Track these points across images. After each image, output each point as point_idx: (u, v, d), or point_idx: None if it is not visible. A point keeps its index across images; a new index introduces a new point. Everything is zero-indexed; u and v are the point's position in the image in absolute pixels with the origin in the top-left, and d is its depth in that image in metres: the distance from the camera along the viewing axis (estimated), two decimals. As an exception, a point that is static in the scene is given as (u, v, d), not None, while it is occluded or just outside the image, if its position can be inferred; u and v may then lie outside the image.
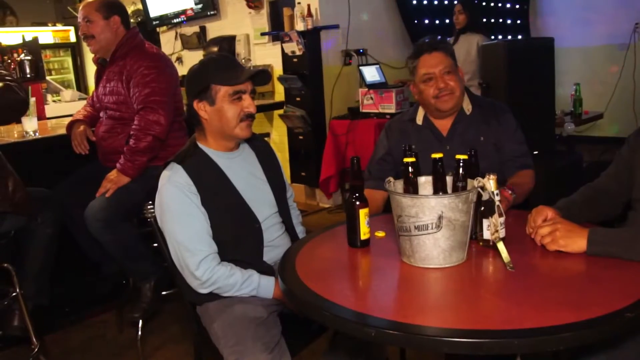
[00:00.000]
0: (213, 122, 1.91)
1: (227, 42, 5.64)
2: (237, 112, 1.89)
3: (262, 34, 5.43)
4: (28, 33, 6.31)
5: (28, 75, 4.70)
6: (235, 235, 1.92)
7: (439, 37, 2.32)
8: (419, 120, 2.31)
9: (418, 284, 1.51)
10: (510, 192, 2.01)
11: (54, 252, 2.75)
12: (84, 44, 10.04)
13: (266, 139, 2.26)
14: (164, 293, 2.91)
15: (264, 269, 1.94)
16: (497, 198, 1.55)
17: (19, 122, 3.37)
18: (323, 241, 1.86)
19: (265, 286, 1.87)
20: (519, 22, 7.05)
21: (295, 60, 5.03)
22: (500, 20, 6.74)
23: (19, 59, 4.71)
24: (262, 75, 1.97)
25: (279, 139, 5.52)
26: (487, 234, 1.62)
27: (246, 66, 5.40)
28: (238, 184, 1.95)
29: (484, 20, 5.98)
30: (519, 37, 6.91)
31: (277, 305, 1.91)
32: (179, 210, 1.84)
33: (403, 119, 2.38)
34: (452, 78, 2.17)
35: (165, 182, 1.86)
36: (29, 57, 4.69)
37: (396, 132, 2.35)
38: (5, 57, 4.86)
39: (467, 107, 2.27)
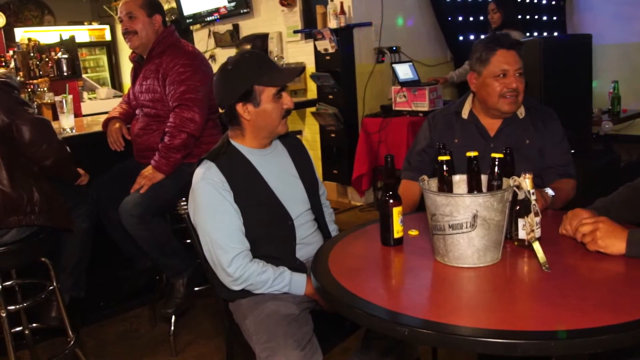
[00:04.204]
0: (257, 122, 1.92)
1: (260, 40, 5.66)
2: (280, 110, 1.92)
3: (295, 32, 5.44)
4: (65, 32, 6.42)
5: (65, 73, 4.81)
6: (268, 232, 1.93)
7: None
8: (465, 114, 2.27)
9: (452, 283, 1.50)
10: (549, 192, 1.97)
11: (89, 246, 2.81)
12: (119, 43, 10.14)
13: (298, 136, 2.26)
14: (196, 289, 2.95)
15: (296, 266, 1.94)
16: (533, 197, 1.53)
17: (55, 118, 3.44)
18: (356, 239, 1.86)
19: (297, 283, 1.88)
20: (554, 18, 6.93)
21: (327, 57, 5.03)
22: (536, 16, 6.62)
23: (56, 57, 4.82)
24: (301, 72, 2.02)
25: (311, 136, 5.52)
26: (522, 234, 1.59)
27: (279, 64, 5.43)
28: (270, 181, 1.96)
29: (519, 17, 5.88)
30: (555, 33, 6.78)
31: (309, 302, 1.91)
32: (212, 208, 1.85)
33: (448, 111, 2.33)
34: (522, 81, 2.13)
35: (199, 179, 1.88)
36: (66, 56, 4.80)
37: (440, 124, 2.31)
38: (44, 56, 4.97)
39: (521, 110, 2.22)
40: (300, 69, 2.03)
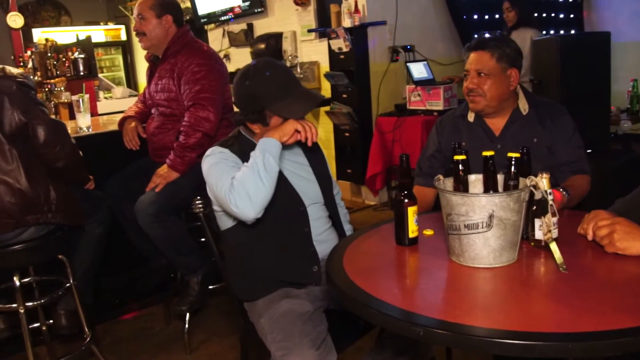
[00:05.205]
0: (264, 135, 1.93)
1: (274, 39, 5.67)
2: None
3: (309, 31, 5.44)
4: (81, 32, 6.48)
5: (81, 73, 4.84)
6: (280, 217, 1.90)
7: (499, 33, 2.27)
8: (470, 117, 2.26)
9: (467, 283, 1.48)
10: (562, 191, 1.95)
11: (101, 252, 2.80)
12: (134, 42, 10.25)
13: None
14: (210, 287, 2.96)
15: (310, 254, 1.94)
16: (550, 197, 1.51)
17: (72, 117, 3.46)
18: (370, 238, 1.85)
19: (264, 142, 1.83)
20: (572, 16, 6.85)
21: (342, 57, 5.02)
22: (553, 14, 6.56)
23: (73, 57, 4.86)
24: (321, 103, 2.02)
25: (325, 135, 5.52)
26: (539, 234, 1.58)
27: (293, 63, 5.43)
28: (283, 168, 1.94)
29: (535, 14, 5.83)
30: (572, 31, 6.71)
31: (322, 300, 1.91)
32: (224, 163, 1.86)
33: (455, 114, 2.34)
34: (486, 82, 2.12)
35: (210, 152, 1.90)
36: (82, 56, 4.84)
37: (447, 128, 2.32)
38: (61, 56, 5.01)
39: (524, 106, 2.20)
40: (320, 98, 2.02)
